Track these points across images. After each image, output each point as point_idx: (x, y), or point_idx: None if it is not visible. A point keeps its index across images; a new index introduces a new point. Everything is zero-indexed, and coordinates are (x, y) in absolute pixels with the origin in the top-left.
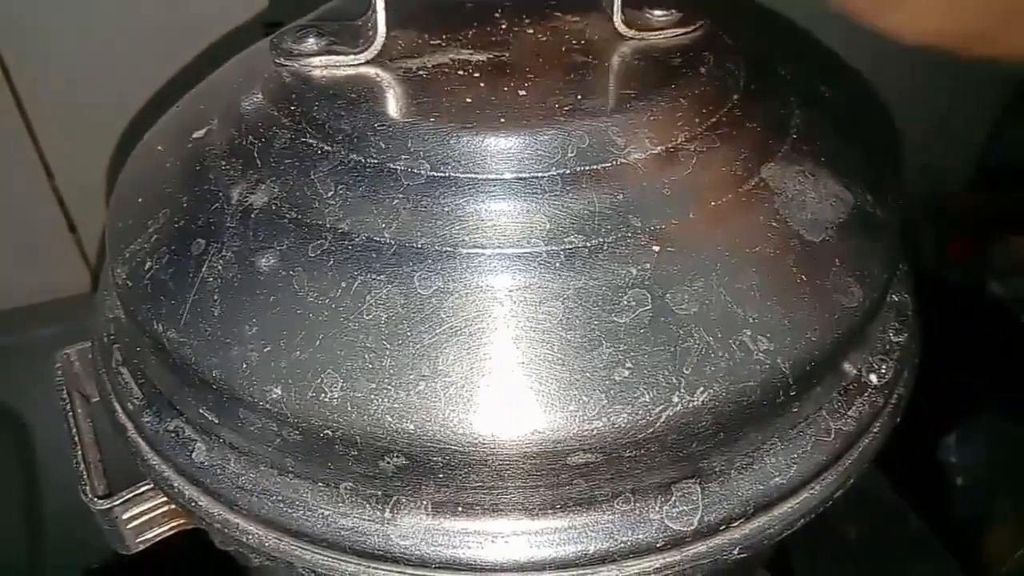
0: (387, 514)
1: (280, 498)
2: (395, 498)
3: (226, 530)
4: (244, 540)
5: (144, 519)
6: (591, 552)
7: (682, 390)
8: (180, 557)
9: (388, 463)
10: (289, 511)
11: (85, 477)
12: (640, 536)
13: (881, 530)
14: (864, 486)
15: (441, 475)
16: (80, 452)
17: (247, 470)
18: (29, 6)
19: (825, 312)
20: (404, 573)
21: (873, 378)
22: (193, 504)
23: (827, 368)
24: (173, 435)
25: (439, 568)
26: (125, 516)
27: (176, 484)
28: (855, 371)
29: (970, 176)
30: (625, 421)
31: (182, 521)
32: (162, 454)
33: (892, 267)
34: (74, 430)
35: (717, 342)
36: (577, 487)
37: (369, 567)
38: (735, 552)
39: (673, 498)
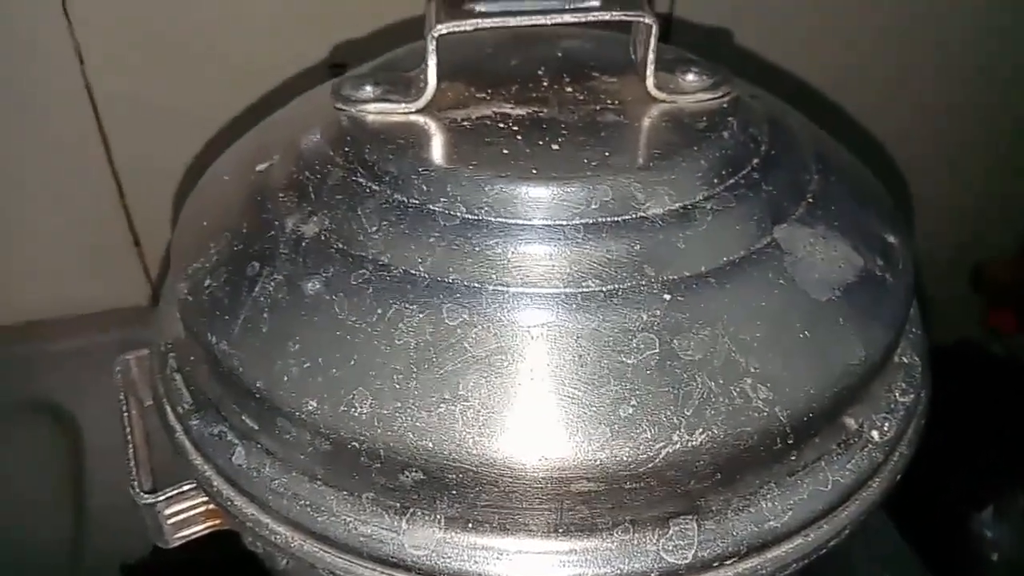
0: (403, 524)
1: (308, 503)
2: (412, 510)
3: (257, 529)
4: (272, 540)
5: (183, 516)
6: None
7: (682, 430)
8: (211, 559)
9: (407, 477)
10: (315, 515)
11: (134, 473)
12: (636, 566)
13: None
14: (882, 547)
15: (455, 492)
16: (132, 450)
17: (280, 475)
18: (118, 43)
19: (826, 367)
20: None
21: (875, 434)
22: (229, 503)
23: (826, 421)
24: (216, 438)
25: None
26: (167, 512)
27: (216, 483)
28: (856, 426)
29: (1016, 245)
30: (627, 455)
31: (217, 522)
32: (205, 455)
33: (898, 329)
34: (127, 429)
35: (718, 387)
36: (579, 514)
37: (384, 573)
38: None
39: (670, 532)
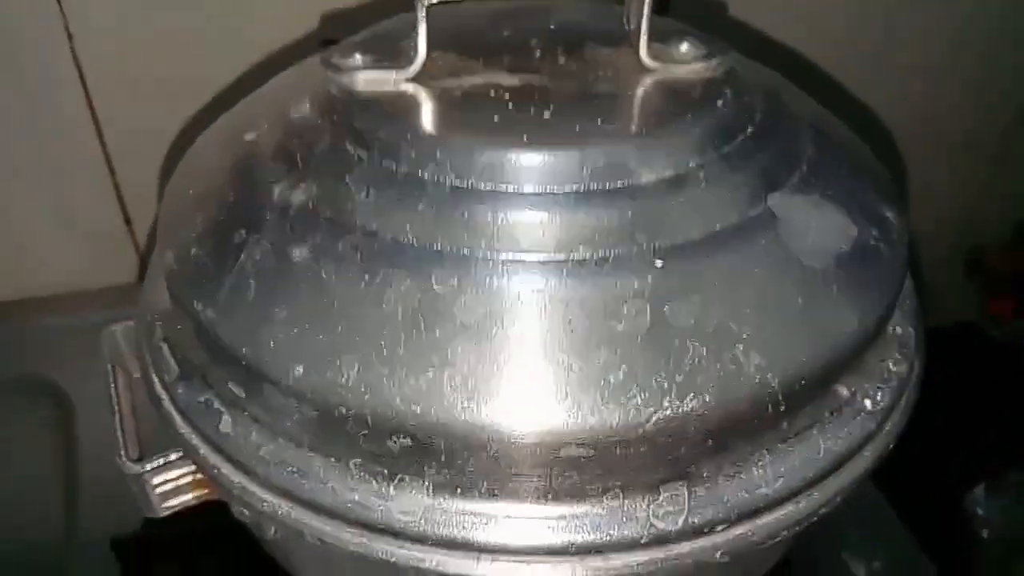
0: (391, 491)
1: (295, 469)
2: (399, 476)
3: (244, 497)
4: (260, 508)
5: (171, 486)
6: (579, 542)
7: (672, 395)
8: (201, 533)
9: (395, 443)
10: (302, 482)
11: (121, 442)
12: (626, 531)
13: (892, 569)
14: (876, 525)
15: (443, 458)
16: (119, 420)
17: (267, 442)
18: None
19: (819, 336)
20: (403, 547)
21: (867, 403)
22: (216, 471)
23: (819, 388)
24: (203, 406)
25: (435, 545)
26: (154, 482)
27: (202, 452)
28: (848, 394)
29: (1012, 233)
30: (617, 420)
31: (206, 491)
32: (192, 424)
33: (892, 299)
34: (114, 399)
35: (710, 354)
36: (569, 479)
37: (371, 539)
38: (717, 555)
39: (660, 498)
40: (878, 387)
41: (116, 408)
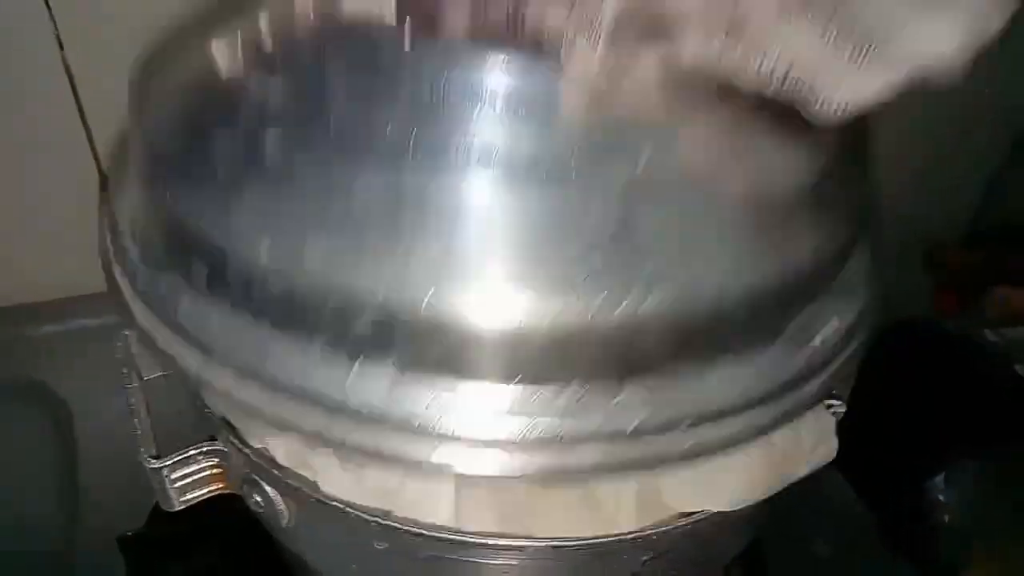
0: (354, 370)
1: (255, 349)
2: (361, 358)
3: (201, 376)
4: (217, 385)
5: (188, 480)
6: (537, 431)
7: (634, 293)
8: (208, 528)
9: (358, 324)
10: (262, 360)
11: (142, 440)
12: (585, 423)
13: (854, 548)
14: (838, 506)
15: (406, 342)
16: (137, 420)
17: (228, 323)
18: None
19: (783, 255)
20: (362, 428)
21: (829, 330)
22: (177, 357)
23: (778, 309)
24: (164, 287)
25: (395, 429)
26: (173, 476)
27: (161, 337)
28: (805, 322)
29: (964, 229)
30: (577, 315)
31: (221, 485)
32: (152, 307)
33: (853, 232)
34: (132, 400)
35: (676, 259)
36: (530, 369)
37: (330, 421)
38: (673, 460)
39: (621, 395)
40: (838, 320)
41: (133, 408)
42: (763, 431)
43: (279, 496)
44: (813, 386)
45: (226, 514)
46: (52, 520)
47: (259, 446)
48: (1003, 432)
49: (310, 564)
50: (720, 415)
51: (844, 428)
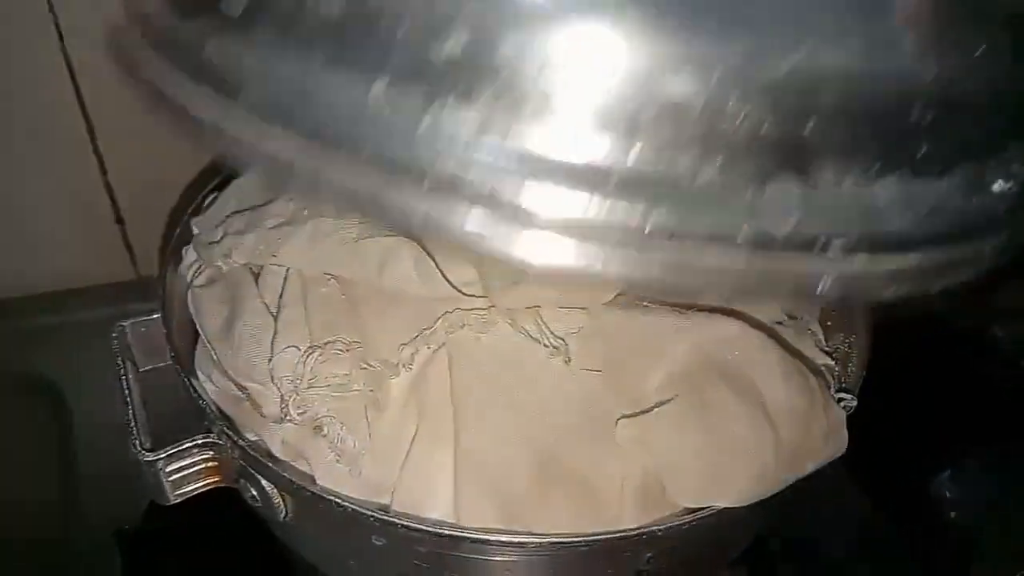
0: (426, 117)
1: (298, 88)
2: (439, 100)
3: (222, 126)
4: (241, 135)
5: (183, 474)
6: (652, 224)
7: (807, 47)
8: (206, 523)
9: (442, 48)
10: (304, 103)
11: (135, 433)
12: (721, 221)
13: (859, 547)
14: (843, 504)
15: (499, 79)
16: (131, 412)
17: (265, 55)
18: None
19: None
20: (422, 198)
21: (998, 185)
22: (192, 108)
23: (969, 122)
24: (190, 31)
25: (468, 199)
26: (168, 469)
27: (174, 86)
28: (984, 166)
29: None
30: (742, 58)
31: (216, 479)
32: (168, 54)
33: None
34: (126, 391)
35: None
36: (656, 138)
37: (384, 184)
38: (826, 288)
39: (767, 193)
40: (1010, 175)
41: (128, 400)
42: (923, 280)
43: (275, 490)
44: (985, 246)
45: (224, 510)
46: (49, 511)
47: (254, 438)
48: (1010, 429)
49: (308, 561)
50: (884, 244)
51: (850, 425)
